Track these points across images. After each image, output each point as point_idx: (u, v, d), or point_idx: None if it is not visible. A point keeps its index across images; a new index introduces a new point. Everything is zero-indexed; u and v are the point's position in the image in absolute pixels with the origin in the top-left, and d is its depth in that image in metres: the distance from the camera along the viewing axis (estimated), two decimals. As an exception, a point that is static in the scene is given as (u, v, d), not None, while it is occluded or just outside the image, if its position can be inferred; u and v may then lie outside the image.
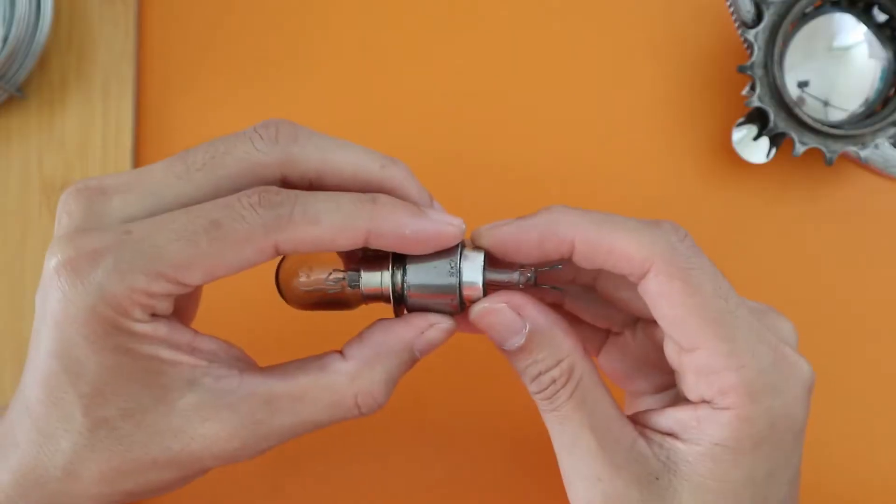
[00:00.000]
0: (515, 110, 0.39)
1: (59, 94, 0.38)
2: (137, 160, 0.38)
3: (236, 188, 0.24)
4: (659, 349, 0.26)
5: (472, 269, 0.25)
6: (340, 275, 0.26)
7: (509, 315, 0.25)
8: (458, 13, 0.40)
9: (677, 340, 0.24)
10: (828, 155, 0.35)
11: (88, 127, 0.38)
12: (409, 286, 0.25)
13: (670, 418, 0.25)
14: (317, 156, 0.24)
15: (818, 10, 0.37)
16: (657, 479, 0.24)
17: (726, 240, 0.38)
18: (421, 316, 0.25)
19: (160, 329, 0.23)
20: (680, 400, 0.26)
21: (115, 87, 0.38)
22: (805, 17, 0.37)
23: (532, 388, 0.25)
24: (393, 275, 0.25)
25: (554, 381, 0.24)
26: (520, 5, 0.39)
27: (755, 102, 0.35)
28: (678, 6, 0.39)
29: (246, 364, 0.25)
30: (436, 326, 0.25)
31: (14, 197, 0.38)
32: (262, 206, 0.23)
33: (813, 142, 0.35)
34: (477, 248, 0.25)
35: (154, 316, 0.23)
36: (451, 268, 0.25)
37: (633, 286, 0.25)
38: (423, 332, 0.25)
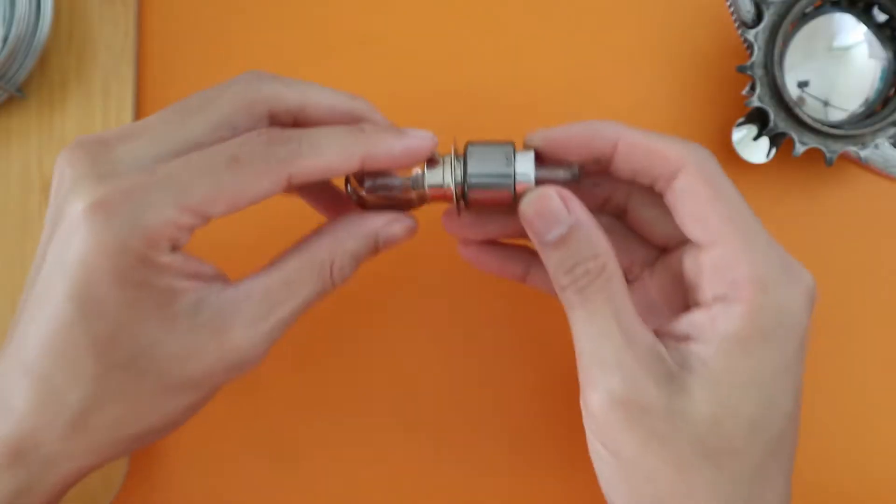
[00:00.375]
0: (515, 110, 0.39)
1: (59, 94, 0.38)
2: (137, 160, 0.38)
3: (233, 128, 0.26)
4: (677, 282, 0.28)
5: (525, 165, 0.28)
6: (407, 177, 0.29)
7: (557, 203, 0.27)
8: (456, 16, 0.40)
9: (698, 237, 0.26)
10: (828, 155, 0.35)
11: (88, 127, 0.38)
12: (470, 178, 0.28)
13: (685, 322, 0.27)
14: (297, 92, 0.27)
15: (818, 10, 0.37)
16: (673, 378, 0.25)
17: (726, 240, 0.38)
18: (387, 213, 0.28)
19: (178, 259, 0.25)
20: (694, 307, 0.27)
21: (115, 87, 0.38)
22: (805, 17, 0.37)
23: (564, 280, 0.27)
24: (453, 173, 0.28)
25: (588, 273, 0.26)
26: (519, 5, 0.39)
27: (755, 102, 0.35)
28: (678, 6, 0.39)
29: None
30: (399, 222, 0.28)
31: (14, 197, 0.38)
32: (274, 143, 0.25)
33: (813, 142, 0.35)
34: (527, 149, 0.29)
35: (174, 248, 0.25)
36: (507, 163, 0.28)
37: (661, 205, 0.28)
38: (387, 225, 0.28)
